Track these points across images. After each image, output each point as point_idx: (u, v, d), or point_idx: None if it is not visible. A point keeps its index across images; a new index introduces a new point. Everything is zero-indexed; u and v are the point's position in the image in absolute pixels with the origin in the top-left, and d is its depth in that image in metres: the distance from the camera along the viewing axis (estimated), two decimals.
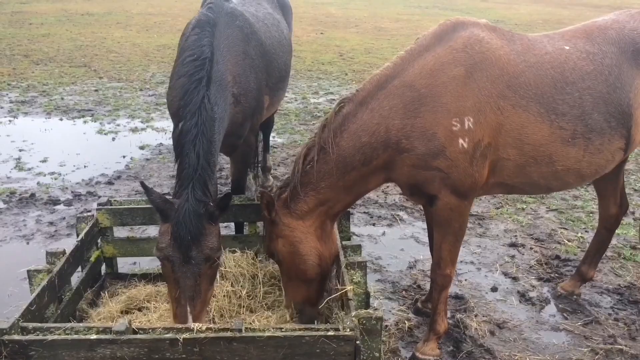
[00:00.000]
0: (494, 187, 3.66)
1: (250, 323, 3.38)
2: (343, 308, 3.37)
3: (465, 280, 4.86)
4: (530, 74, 3.44)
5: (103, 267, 4.41)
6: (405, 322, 4.21)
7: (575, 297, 4.54)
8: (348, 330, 2.86)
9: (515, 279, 4.88)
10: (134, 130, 9.33)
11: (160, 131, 9.22)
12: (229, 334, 2.83)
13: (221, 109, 3.85)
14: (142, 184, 3.34)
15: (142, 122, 9.77)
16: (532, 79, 3.43)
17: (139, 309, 4.02)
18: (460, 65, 3.34)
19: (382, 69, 3.47)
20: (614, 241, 5.49)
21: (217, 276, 4.05)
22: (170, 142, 8.55)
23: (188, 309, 3.21)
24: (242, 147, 4.63)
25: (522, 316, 4.36)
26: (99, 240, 4.32)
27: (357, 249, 3.80)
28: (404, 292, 4.67)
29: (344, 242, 3.80)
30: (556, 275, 4.94)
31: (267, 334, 2.83)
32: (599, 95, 3.54)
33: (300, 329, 2.91)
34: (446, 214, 3.48)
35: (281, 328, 2.91)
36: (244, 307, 4.00)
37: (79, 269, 4.00)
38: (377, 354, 2.92)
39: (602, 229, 4.48)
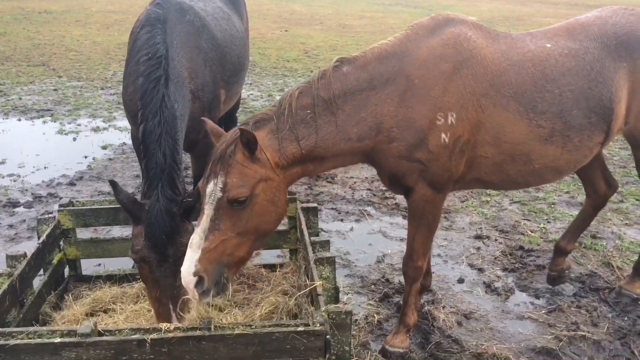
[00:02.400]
0: (471, 182, 3.69)
1: (219, 321, 3.35)
2: (312, 304, 3.37)
3: (433, 272, 4.91)
4: (512, 72, 3.46)
5: (66, 270, 4.32)
6: (375, 315, 4.23)
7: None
8: (318, 325, 2.86)
9: (481, 270, 4.97)
10: (96, 129, 9.14)
11: (123, 130, 9.06)
12: (197, 332, 2.80)
13: (181, 106, 3.81)
14: (112, 183, 3.27)
15: (104, 121, 9.58)
16: (513, 78, 3.45)
17: (105, 311, 3.94)
18: (450, 61, 3.35)
19: (381, 44, 3.42)
20: None
21: None
22: None
23: (170, 307, 3.21)
24: (202, 142, 4.60)
25: (488, 306, 4.43)
26: (61, 242, 4.22)
27: (326, 244, 3.80)
28: (372, 286, 4.70)
29: (312, 238, 3.80)
30: (520, 265, 5.04)
31: (236, 331, 2.80)
32: (580, 91, 3.56)
33: (270, 326, 2.90)
34: (421, 205, 3.52)
35: (250, 325, 2.89)
36: (212, 305, 3.95)
37: (41, 272, 3.90)
38: (347, 348, 2.93)
39: (589, 207, 4.56)
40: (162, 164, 3.36)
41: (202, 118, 3.25)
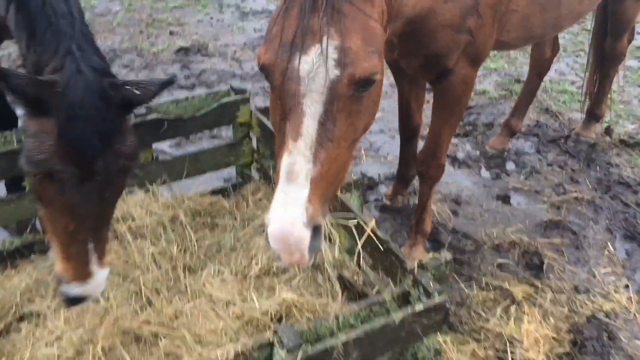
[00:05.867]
0: None
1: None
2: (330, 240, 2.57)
3: (388, 154, 4.27)
4: None
5: None
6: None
7: (505, 153, 4.27)
8: (437, 295, 2.06)
9: None
10: None
11: None
12: None
13: None
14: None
15: None
16: None
17: (20, 318, 2.62)
18: None
19: None
20: (496, 77, 5.34)
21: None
22: None
23: (90, 247, 2.05)
24: None
25: (467, 183, 3.98)
26: None
27: None
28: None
29: None
30: (469, 127, 4.61)
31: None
32: None
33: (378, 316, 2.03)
34: (460, 89, 2.79)
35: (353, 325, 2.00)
36: (181, 269, 2.86)
37: None
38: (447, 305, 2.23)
39: (534, 76, 4.18)
40: (65, 11, 2.03)
41: None
